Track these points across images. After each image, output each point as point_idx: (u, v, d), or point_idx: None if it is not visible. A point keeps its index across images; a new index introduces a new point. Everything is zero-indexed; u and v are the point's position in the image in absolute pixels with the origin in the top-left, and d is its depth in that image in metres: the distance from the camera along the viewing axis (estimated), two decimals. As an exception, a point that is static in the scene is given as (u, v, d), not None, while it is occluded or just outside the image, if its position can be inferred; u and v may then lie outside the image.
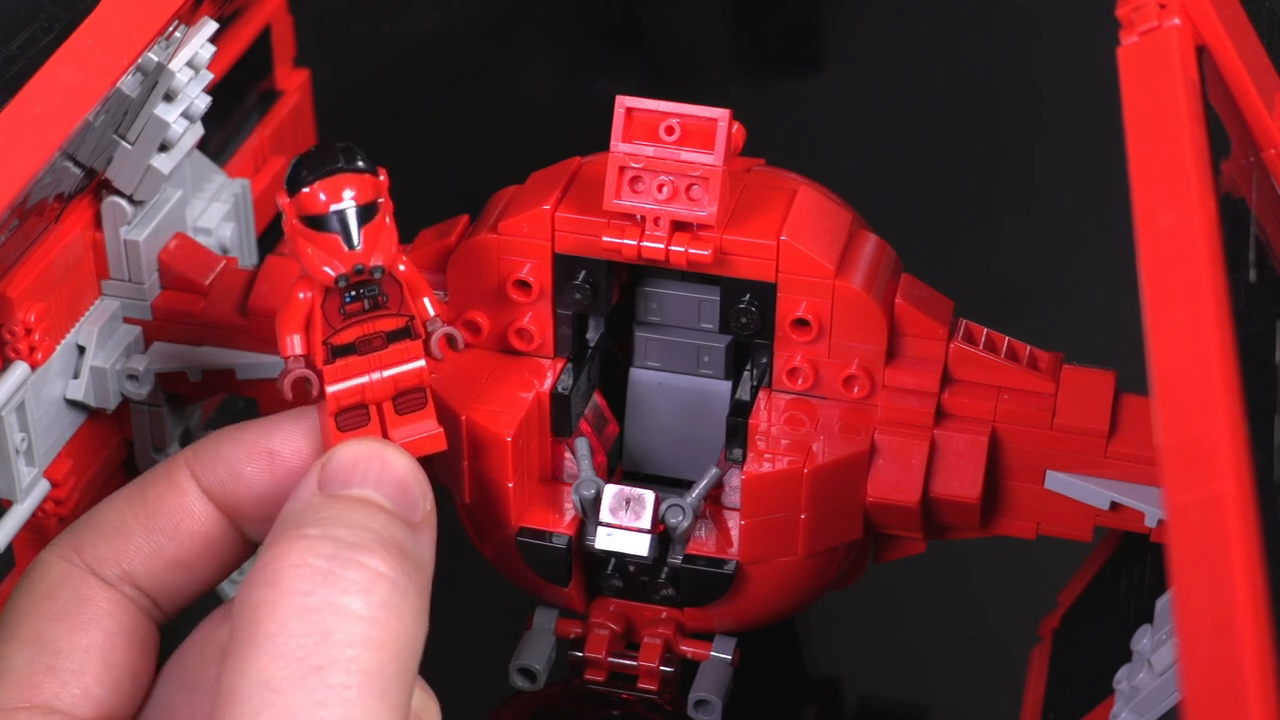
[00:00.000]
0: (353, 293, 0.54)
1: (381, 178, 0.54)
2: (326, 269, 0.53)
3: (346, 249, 0.53)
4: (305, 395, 0.55)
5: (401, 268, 0.54)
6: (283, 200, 0.53)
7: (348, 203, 0.53)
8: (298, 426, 0.55)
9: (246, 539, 0.56)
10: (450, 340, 0.56)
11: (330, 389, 0.54)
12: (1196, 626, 0.40)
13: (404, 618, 0.49)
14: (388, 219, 0.54)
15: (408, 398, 0.55)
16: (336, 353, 0.54)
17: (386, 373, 0.54)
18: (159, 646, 0.55)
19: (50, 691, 0.52)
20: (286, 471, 0.55)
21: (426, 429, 0.55)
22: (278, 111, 0.74)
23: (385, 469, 0.53)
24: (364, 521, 0.51)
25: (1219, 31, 0.52)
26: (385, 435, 0.55)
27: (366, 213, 0.53)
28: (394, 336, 0.55)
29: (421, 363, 0.55)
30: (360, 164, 0.53)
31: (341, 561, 0.49)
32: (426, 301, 0.55)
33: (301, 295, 0.54)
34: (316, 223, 0.53)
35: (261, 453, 0.55)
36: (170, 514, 0.55)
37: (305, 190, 0.53)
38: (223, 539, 0.55)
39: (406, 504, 0.52)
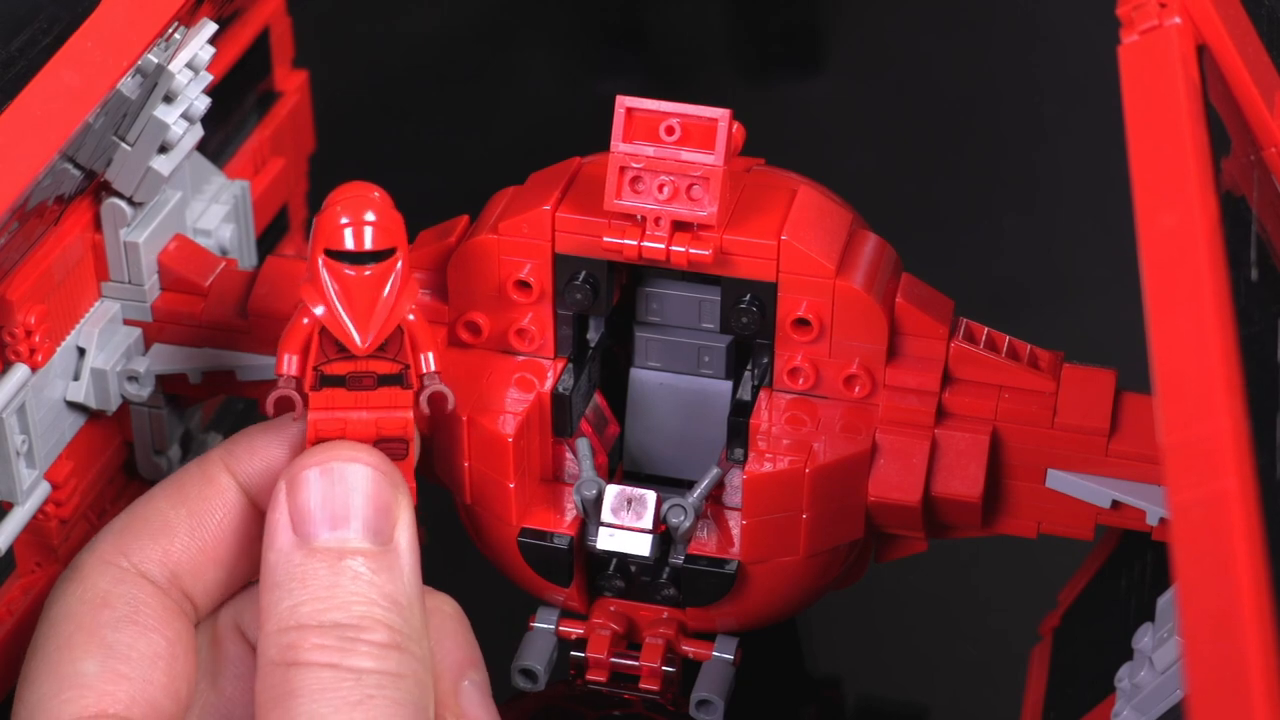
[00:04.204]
0: None
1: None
2: None
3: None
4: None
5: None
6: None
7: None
8: None
9: None
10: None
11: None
12: (1200, 624, 0.40)
13: (407, 675, 0.50)
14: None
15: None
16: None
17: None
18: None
19: (125, 700, 0.51)
20: None
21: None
22: (277, 113, 0.74)
23: (350, 498, 0.52)
24: (351, 593, 0.51)
25: (1219, 30, 0.52)
26: None
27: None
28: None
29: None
30: None
31: (347, 650, 0.50)
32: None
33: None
34: None
35: (296, 443, 0.55)
36: (213, 511, 0.54)
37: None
38: (260, 533, 0.54)
39: (383, 522, 0.52)
